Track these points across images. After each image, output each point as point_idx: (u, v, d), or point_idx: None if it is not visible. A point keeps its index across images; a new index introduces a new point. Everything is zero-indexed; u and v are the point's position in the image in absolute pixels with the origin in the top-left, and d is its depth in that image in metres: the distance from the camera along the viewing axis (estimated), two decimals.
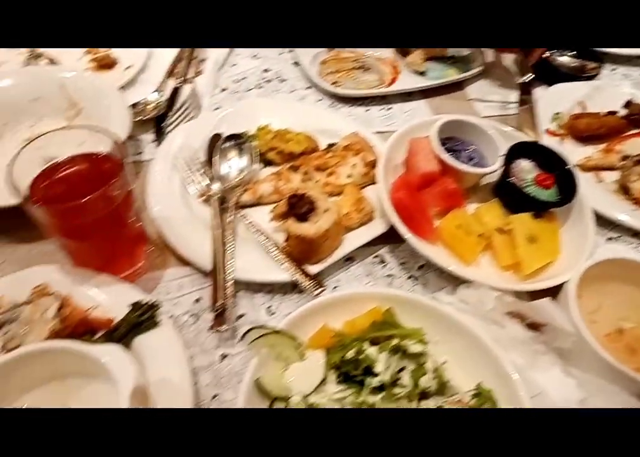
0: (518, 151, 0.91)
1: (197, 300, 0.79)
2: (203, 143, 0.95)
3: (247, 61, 1.19)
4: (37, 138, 0.69)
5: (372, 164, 0.90)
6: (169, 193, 0.87)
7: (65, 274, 0.74)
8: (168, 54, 1.16)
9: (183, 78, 1.11)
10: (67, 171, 0.71)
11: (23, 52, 1.15)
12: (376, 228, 0.84)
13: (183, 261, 0.82)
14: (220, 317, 0.74)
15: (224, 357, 0.73)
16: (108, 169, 0.69)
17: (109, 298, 0.73)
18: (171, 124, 1.02)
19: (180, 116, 1.03)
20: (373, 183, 0.91)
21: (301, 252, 0.79)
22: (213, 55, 1.17)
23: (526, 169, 0.91)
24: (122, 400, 0.55)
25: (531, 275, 0.81)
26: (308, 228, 0.76)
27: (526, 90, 1.10)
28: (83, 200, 0.64)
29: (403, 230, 0.79)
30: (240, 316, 0.77)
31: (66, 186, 0.69)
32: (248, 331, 0.66)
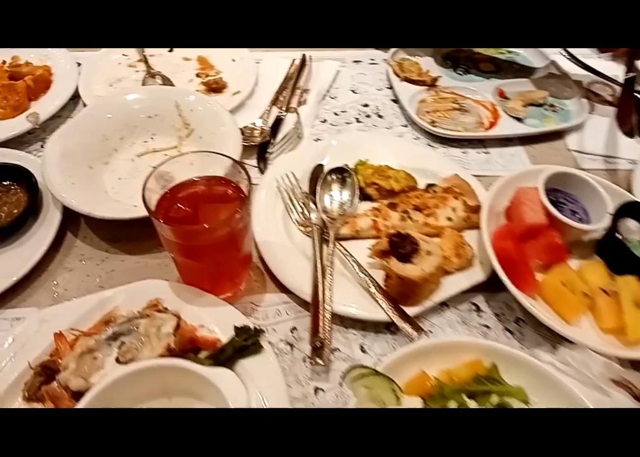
0: (626, 210, 0.89)
1: (293, 329, 0.80)
2: (305, 173, 0.98)
3: (348, 94, 1.22)
4: (165, 162, 0.73)
5: (473, 209, 0.90)
6: (272, 219, 0.91)
7: (175, 291, 0.78)
8: (274, 82, 1.21)
9: (286, 107, 1.16)
10: (193, 191, 0.75)
11: (136, 68, 1.24)
12: (475, 276, 0.84)
13: (281, 287, 0.84)
14: (318, 350, 0.75)
15: (317, 390, 0.74)
16: (234, 196, 0.73)
17: (214, 318, 0.76)
18: (274, 151, 1.06)
19: (283, 144, 1.07)
20: (472, 228, 0.90)
21: (400, 293, 0.79)
22: (316, 87, 1.22)
23: (632, 229, 0.89)
24: None
25: (635, 341, 0.78)
26: (412, 270, 0.77)
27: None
28: (210, 225, 0.67)
29: (507, 281, 0.78)
30: (334, 350, 0.78)
31: (192, 207, 0.73)
32: (349, 369, 0.67)
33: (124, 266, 0.88)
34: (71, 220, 0.92)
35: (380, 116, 1.17)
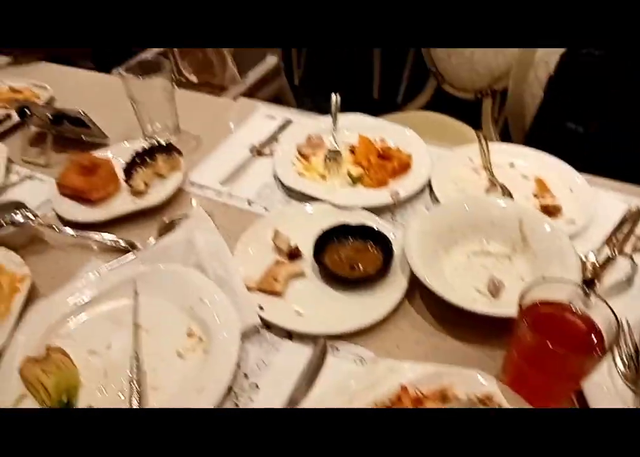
0: None
1: None
2: (636, 323, 0.98)
3: None
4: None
5: None
6: None
7: (502, 391, 0.86)
8: (608, 220, 1.25)
9: (619, 249, 1.18)
10: (547, 312, 0.84)
11: (477, 173, 1.43)
12: None
13: None
14: None
15: None
16: (588, 330, 0.80)
17: None
18: (601, 291, 1.09)
19: (612, 286, 1.09)
20: None
21: None
22: None
23: None
24: None
25: None
26: None
27: None
28: (576, 358, 0.75)
29: None
30: None
31: (545, 328, 0.81)
32: None
33: (446, 347, 1.01)
34: (411, 289, 1.10)
35: None
